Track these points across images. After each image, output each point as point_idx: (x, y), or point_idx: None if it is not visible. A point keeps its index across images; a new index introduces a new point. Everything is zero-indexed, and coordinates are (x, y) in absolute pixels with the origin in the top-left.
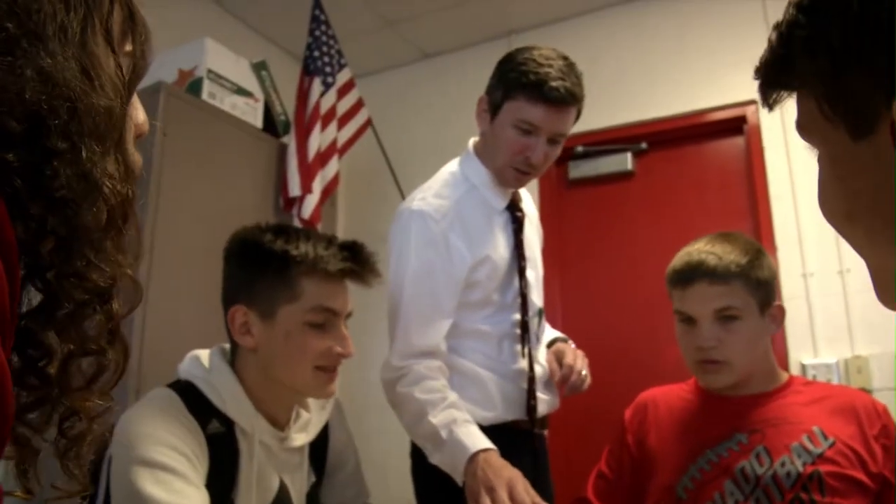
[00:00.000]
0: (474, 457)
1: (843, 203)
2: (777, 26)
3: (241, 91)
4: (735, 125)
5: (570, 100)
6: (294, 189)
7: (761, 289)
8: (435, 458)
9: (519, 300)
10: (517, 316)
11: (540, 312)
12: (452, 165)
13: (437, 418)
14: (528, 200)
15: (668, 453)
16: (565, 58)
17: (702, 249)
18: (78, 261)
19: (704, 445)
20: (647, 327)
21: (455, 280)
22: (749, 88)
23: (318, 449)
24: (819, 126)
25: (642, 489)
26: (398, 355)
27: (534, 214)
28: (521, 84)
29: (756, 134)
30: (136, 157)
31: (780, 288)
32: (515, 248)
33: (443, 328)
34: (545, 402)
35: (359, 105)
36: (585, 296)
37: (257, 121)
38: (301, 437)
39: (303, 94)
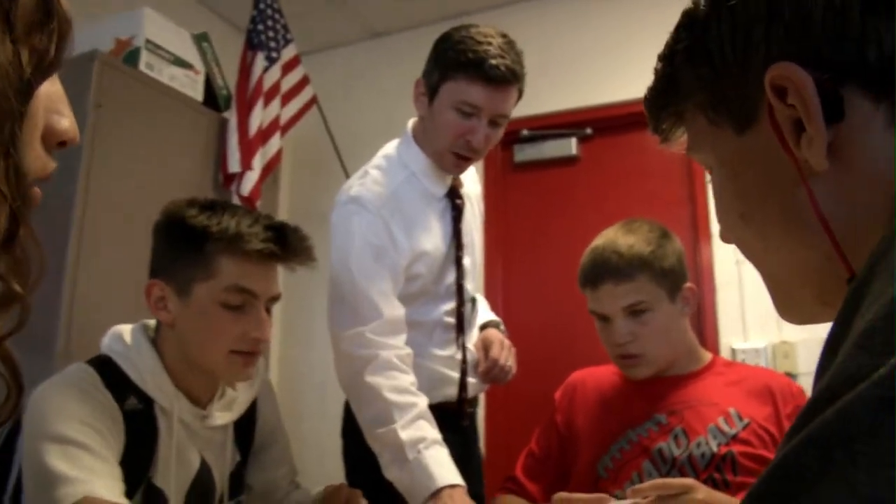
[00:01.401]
0: (439, 492)
1: (737, 202)
2: (660, 57)
3: (180, 63)
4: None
5: (511, 78)
6: (234, 165)
7: (668, 277)
8: (391, 474)
9: (454, 290)
10: (451, 305)
11: (473, 300)
12: (389, 149)
13: (405, 432)
14: (472, 178)
15: (593, 433)
16: (504, 35)
17: (605, 246)
18: None
19: (626, 426)
20: (585, 311)
21: (398, 269)
22: None
23: (244, 427)
24: (707, 135)
25: (569, 468)
26: (371, 328)
27: (475, 193)
28: (460, 63)
29: None
30: (42, 163)
31: (713, 274)
32: (453, 237)
33: (401, 309)
34: (475, 385)
35: (304, 82)
36: (527, 278)
37: (197, 94)
38: (224, 416)
39: (245, 69)
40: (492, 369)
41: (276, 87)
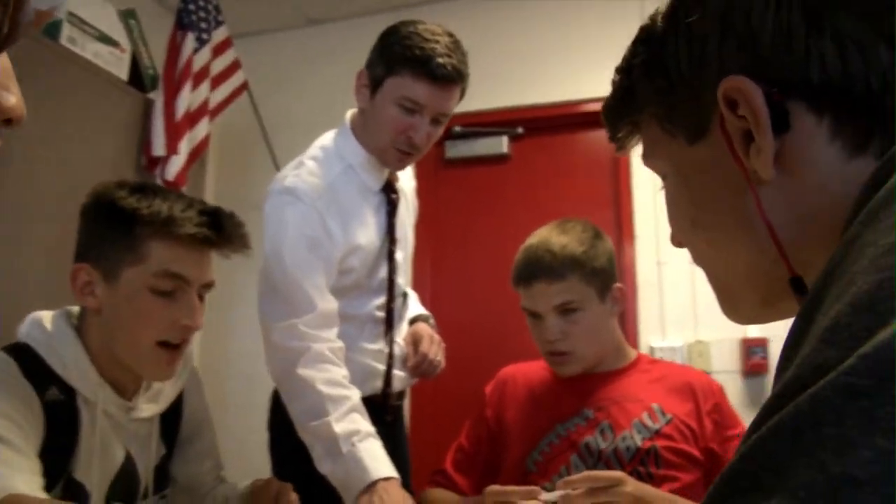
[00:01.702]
0: (373, 485)
1: (689, 208)
2: (617, 69)
3: (105, 39)
4: None
5: (456, 78)
6: (158, 148)
7: (598, 277)
8: (325, 468)
9: (386, 284)
10: (382, 300)
11: (404, 295)
12: (326, 140)
13: (339, 425)
14: (408, 173)
15: (522, 428)
16: (451, 34)
17: (539, 245)
18: None
19: (555, 421)
20: (513, 307)
21: (332, 261)
22: None
23: (171, 420)
24: (662, 144)
25: (498, 462)
26: (304, 321)
27: (410, 188)
28: (406, 59)
29: None
30: None
31: (635, 274)
32: (387, 231)
33: (334, 302)
34: (401, 378)
35: (235, 66)
36: (455, 274)
37: (122, 72)
38: (150, 408)
39: (174, 49)
40: (421, 364)
41: (205, 70)
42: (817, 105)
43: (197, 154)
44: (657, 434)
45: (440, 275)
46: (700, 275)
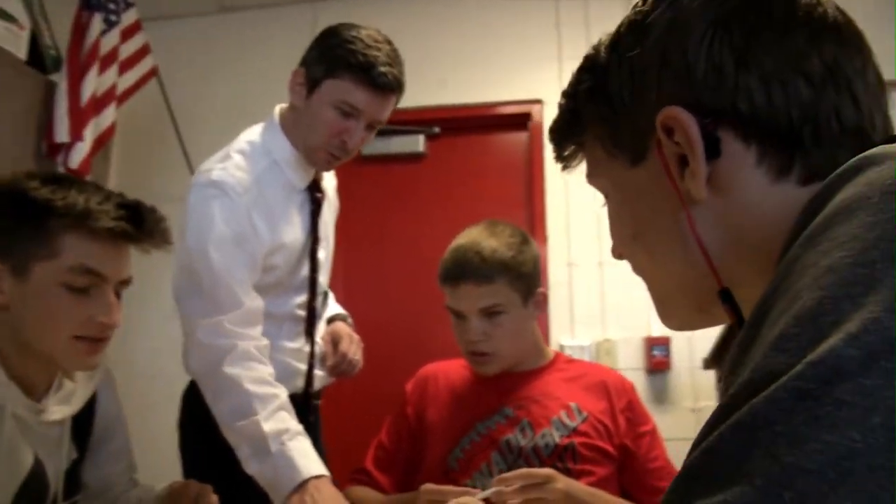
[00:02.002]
0: (304, 483)
1: (629, 224)
2: (564, 93)
3: (1, 14)
4: (521, 121)
5: (396, 87)
6: (62, 135)
7: (524, 282)
8: (252, 468)
9: (308, 283)
10: (303, 298)
11: (325, 294)
12: (253, 134)
13: (267, 424)
14: (329, 172)
15: (444, 426)
16: (390, 43)
17: (468, 247)
18: None
19: (476, 419)
20: (426, 306)
21: (257, 258)
22: (537, 88)
23: (83, 422)
24: (603, 165)
25: (419, 460)
26: (229, 319)
27: (331, 186)
28: (349, 64)
29: (539, 131)
30: None
31: (547, 275)
32: (311, 230)
33: (259, 299)
34: (321, 378)
35: (144, 51)
36: (370, 271)
37: (20, 52)
38: (62, 410)
39: (80, 30)
40: (340, 363)
41: (113, 53)
42: (745, 134)
43: (103, 141)
44: (574, 431)
45: (353, 273)
46: (608, 277)
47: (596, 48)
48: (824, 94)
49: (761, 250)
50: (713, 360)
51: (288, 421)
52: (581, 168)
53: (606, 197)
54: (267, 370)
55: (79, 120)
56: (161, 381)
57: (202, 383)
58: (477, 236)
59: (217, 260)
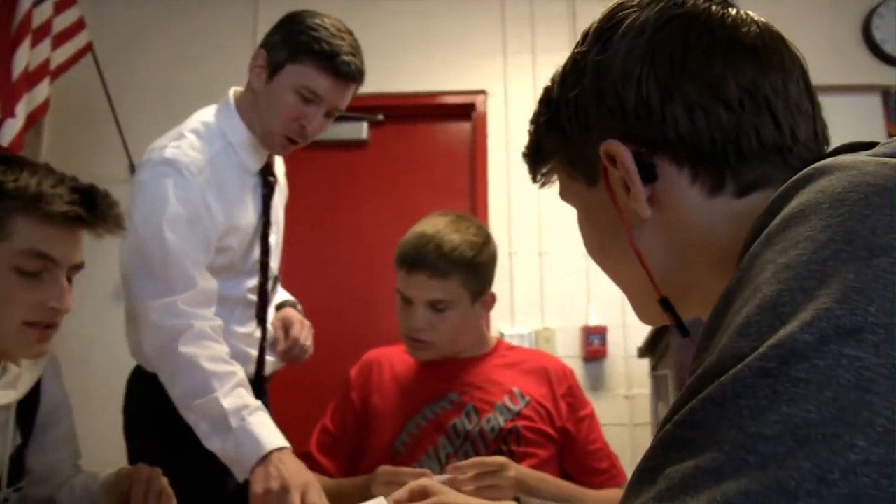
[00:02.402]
0: (267, 456)
1: (596, 238)
2: (530, 122)
3: None
4: (465, 111)
5: (357, 77)
6: None
7: (477, 282)
8: (213, 444)
9: (258, 266)
10: (254, 282)
11: (276, 279)
12: (207, 115)
13: (227, 400)
14: (279, 159)
15: (389, 411)
16: (352, 34)
17: (431, 237)
18: None
19: (422, 404)
20: (368, 292)
21: (210, 239)
22: (481, 79)
23: (28, 407)
24: (567, 185)
25: (365, 444)
26: (182, 300)
27: (281, 172)
28: (313, 51)
29: (482, 122)
30: None
31: None
32: (263, 213)
33: (213, 280)
34: (271, 363)
35: (79, 25)
36: (311, 257)
37: None
38: (7, 395)
39: (9, 1)
40: (292, 348)
41: (47, 26)
42: (677, 158)
43: (35, 118)
44: (518, 415)
45: (295, 258)
46: (547, 267)
47: (552, 81)
48: (743, 116)
49: (706, 254)
50: (647, 350)
51: (247, 397)
52: (521, 167)
53: (578, 212)
54: (223, 349)
55: (11, 95)
56: (95, 370)
57: (157, 365)
58: (442, 228)
59: (171, 239)
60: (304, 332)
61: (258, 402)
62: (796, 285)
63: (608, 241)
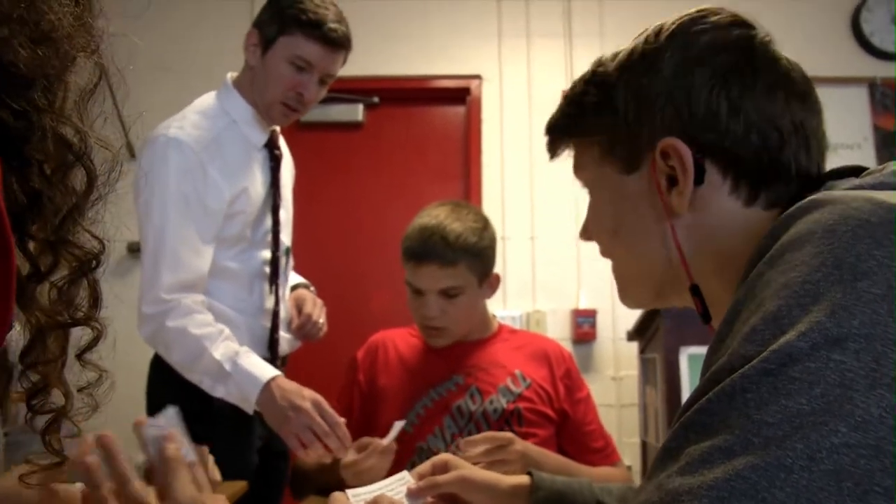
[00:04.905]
0: (267, 385)
1: (611, 221)
2: (566, 96)
3: None
4: (460, 95)
5: (344, 42)
6: None
7: (483, 265)
8: (219, 392)
9: (270, 238)
10: (267, 254)
11: (287, 251)
12: (208, 98)
13: (218, 352)
14: (283, 144)
15: (396, 392)
16: (335, 5)
17: (435, 229)
18: (68, 226)
19: (428, 385)
20: (362, 273)
21: (213, 211)
22: (476, 64)
23: None
24: (594, 165)
25: (372, 424)
26: (166, 288)
27: (288, 154)
28: (300, 21)
29: (477, 106)
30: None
31: None
32: (272, 185)
33: (207, 258)
34: (287, 340)
35: None
36: (306, 238)
37: None
38: None
39: None
40: (305, 325)
41: None
42: (724, 168)
43: None
44: (519, 397)
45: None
46: (538, 250)
47: (603, 65)
48: (789, 145)
49: (717, 256)
50: (636, 333)
51: (234, 346)
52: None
53: (590, 191)
54: (208, 317)
55: None
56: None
57: (154, 343)
58: (443, 218)
59: (162, 220)
60: (316, 309)
61: (244, 348)
62: (794, 302)
63: (627, 226)
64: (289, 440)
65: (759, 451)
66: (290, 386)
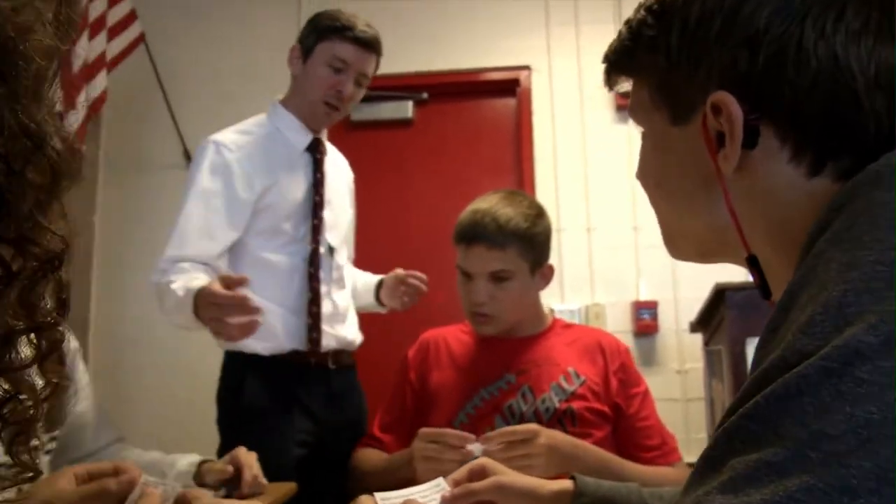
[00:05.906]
0: (200, 291)
1: (656, 171)
2: (628, 22)
3: None
4: (509, 87)
5: (375, 44)
6: None
7: (535, 252)
8: (182, 320)
9: (310, 235)
10: (307, 250)
11: (331, 249)
12: (258, 116)
13: (177, 284)
14: (345, 165)
15: (448, 390)
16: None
17: (486, 211)
18: (25, 223)
19: (479, 384)
20: (417, 270)
21: (242, 200)
22: (525, 55)
23: None
24: (646, 109)
25: (424, 423)
26: (168, 259)
27: (343, 163)
28: (334, 28)
29: (527, 98)
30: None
31: None
32: (313, 185)
33: (221, 242)
34: (331, 336)
35: (131, 17)
36: (358, 237)
37: None
38: None
39: None
40: (400, 285)
41: (101, 20)
42: (784, 132)
43: (95, 109)
44: (573, 395)
45: None
46: (595, 242)
47: None
48: (868, 100)
49: (770, 226)
50: (699, 324)
51: (194, 278)
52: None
53: (642, 135)
54: (192, 273)
55: (71, 88)
56: (145, 347)
57: (160, 307)
58: (496, 203)
59: (185, 211)
60: (409, 278)
61: (203, 276)
62: (862, 286)
63: (670, 182)
64: (214, 335)
65: (818, 469)
66: (215, 286)
